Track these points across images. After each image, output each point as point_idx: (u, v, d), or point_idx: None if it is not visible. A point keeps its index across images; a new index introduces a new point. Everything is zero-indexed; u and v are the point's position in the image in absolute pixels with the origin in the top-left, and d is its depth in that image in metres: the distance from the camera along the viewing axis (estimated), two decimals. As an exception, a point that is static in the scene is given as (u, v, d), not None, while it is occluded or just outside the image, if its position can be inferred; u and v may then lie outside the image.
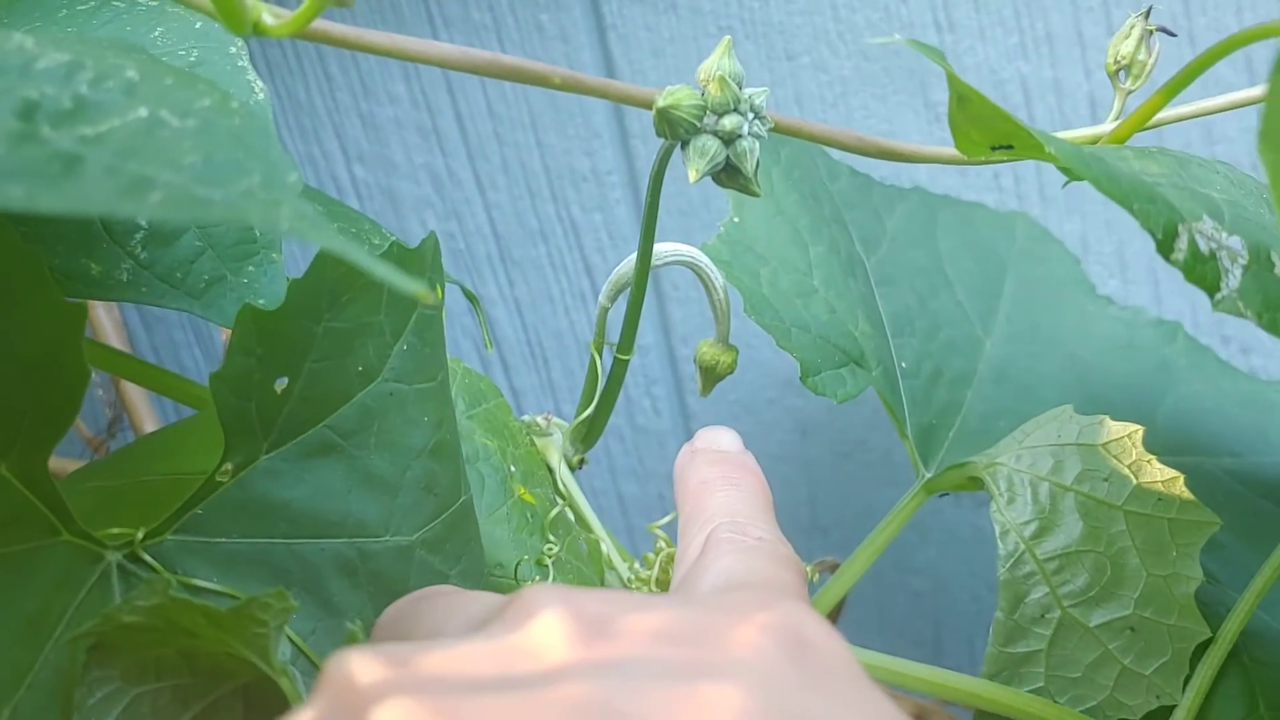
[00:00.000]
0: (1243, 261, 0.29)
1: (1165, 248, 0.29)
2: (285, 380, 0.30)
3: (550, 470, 0.40)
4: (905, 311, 0.52)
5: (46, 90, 0.22)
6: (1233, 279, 0.29)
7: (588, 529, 0.40)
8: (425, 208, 0.70)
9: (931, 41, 0.64)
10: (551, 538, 0.36)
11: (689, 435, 0.70)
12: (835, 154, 0.56)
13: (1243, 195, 0.33)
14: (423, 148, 0.68)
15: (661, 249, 0.43)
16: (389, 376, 0.31)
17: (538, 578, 0.36)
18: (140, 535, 0.30)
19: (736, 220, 0.47)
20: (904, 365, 0.50)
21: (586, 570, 0.38)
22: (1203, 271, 0.29)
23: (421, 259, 0.32)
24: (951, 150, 0.35)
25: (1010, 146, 0.31)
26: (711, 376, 0.46)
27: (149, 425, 0.60)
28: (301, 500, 0.30)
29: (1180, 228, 0.29)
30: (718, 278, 0.44)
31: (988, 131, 0.31)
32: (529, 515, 0.37)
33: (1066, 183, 0.39)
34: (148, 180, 0.19)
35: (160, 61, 0.27)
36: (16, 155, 0.20)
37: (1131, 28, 0.40)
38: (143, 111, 0.22)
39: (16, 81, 0.22)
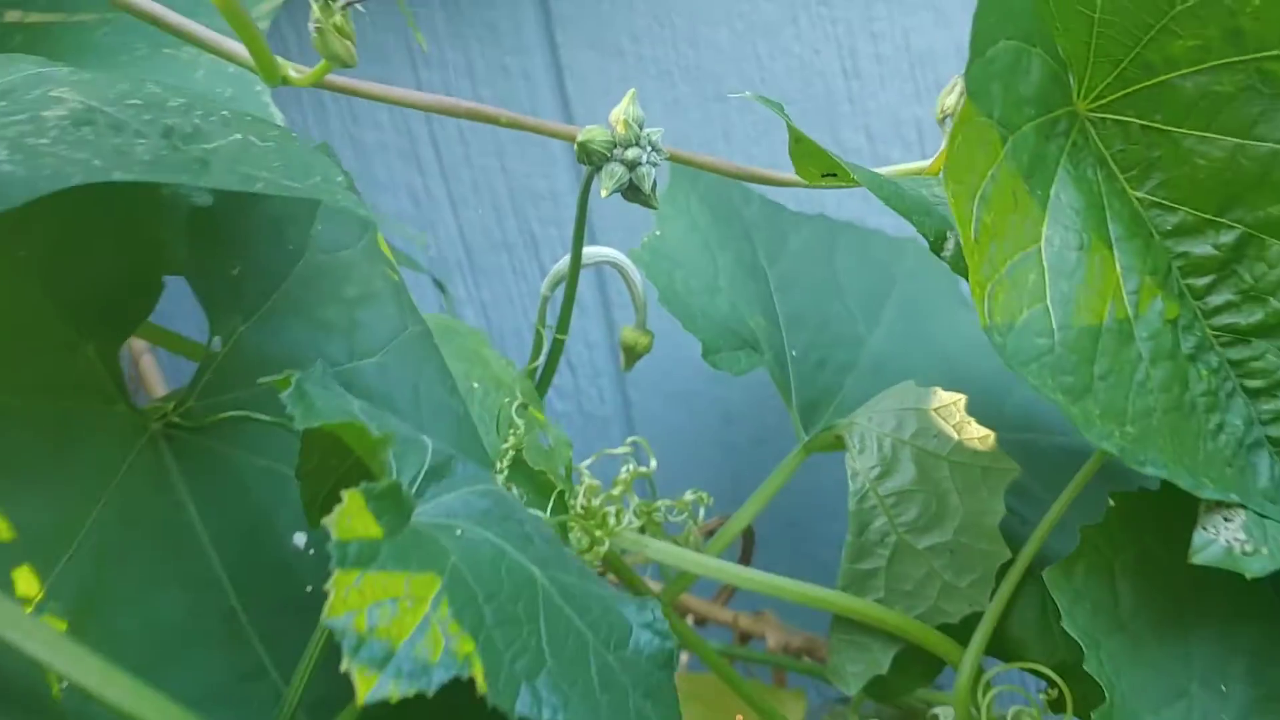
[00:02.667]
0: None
1: (937, 247, 0.43)
2: (238, 267, 0.43)
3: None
4: (799, 312, 0.66)
5: (176, 120, 0.36)
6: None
7: (548, 427, 0.53)
8: (404, 220, 0.83)
9: (839, 87, 0.79)
10: (518, 421, 0.49)
11: (629, 421, 0.84)
12: (754, 185, 0.71)
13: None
14: (403, 168, 0.83)
15: (591, 250, 0.57)
16: (312, 249, 0.44)
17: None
18: (171, 406, 0.43)
19: (659, 233, 0.61)
20: (794, 353, 0.64)
21: (549, 462, 0.50)
22: (958, 265, 0.43)
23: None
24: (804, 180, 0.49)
25: (834, 174, 0.45)
26: (632, 354, 0.60)
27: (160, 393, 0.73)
28: (280, 351, 0.43)
29: (948, 234, 0.43)
30: (637, 275, 0.58)
31: (817, 163, 0.45)
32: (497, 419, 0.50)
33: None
34: (253, 176, 0.33)
35: (235, 109, 0.41)
36: (172, 159, 0.33)
37: (954, 86, 0.54)
38: (237, 136, 0.36)
39: (158, 114, 0.36)
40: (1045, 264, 0.39)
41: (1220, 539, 0.42)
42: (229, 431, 0.44)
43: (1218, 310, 0.42)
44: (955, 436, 0.56)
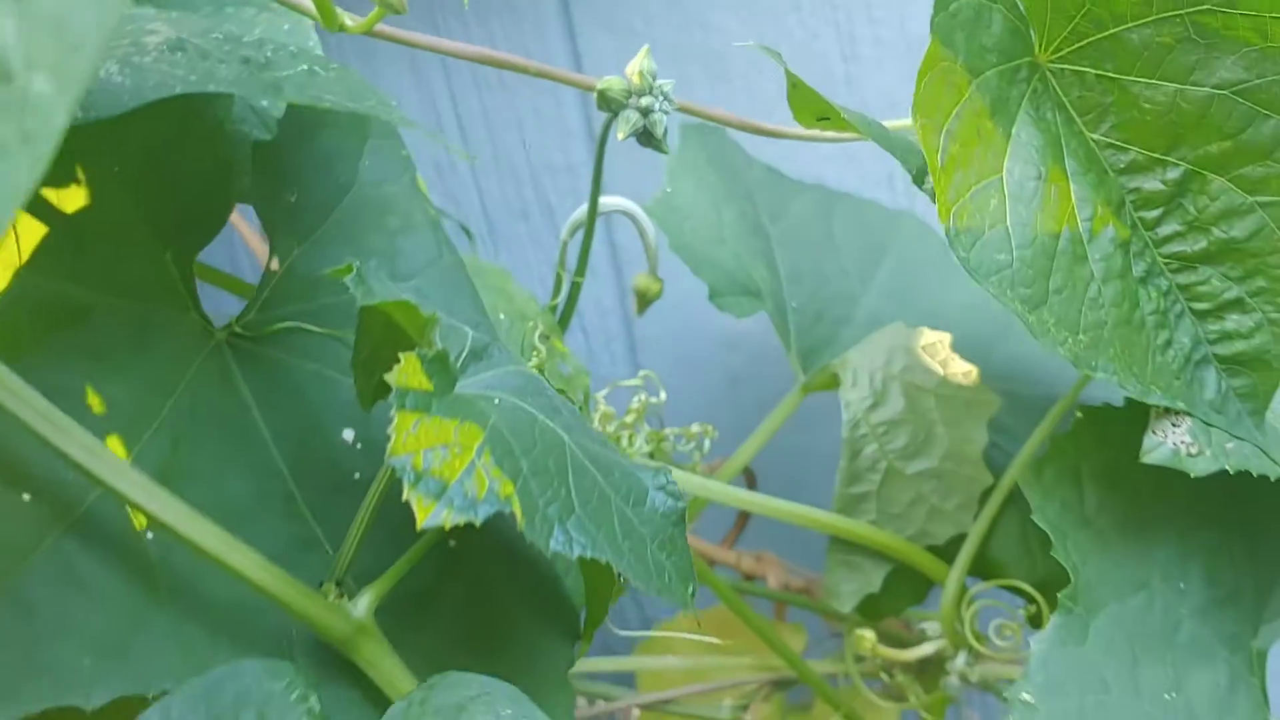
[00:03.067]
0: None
1: (918, 180, 0.49)
2: (295, 195, 0.49)
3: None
4: (799, 268, 0.72)
5: (251, 53, 0.42)
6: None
7: (568, 357, 0.59)
8: (430, 192, 0.89)
9: (838, 71, 0.85)
10: (539, 346, 0.55)
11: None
12: (754, 152, 0.77)
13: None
14: (428, 143, 0.88)
15: (606, 200, 0.63)
16: (360, 183, 0.50)
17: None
18: (235, 317, 0.49)
19: (669, 189, 0.67)
20: (794, 305, 0.69)
21: (569, 387, 0.56)
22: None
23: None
24: (800, 130, 0.55)
25: (828, 119, 0.51)
26: (644, 299, 0.65)
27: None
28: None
29: (926, 173, 0.49)
30: (649, 225, 0.64)
31: (812, 108, 0.50)
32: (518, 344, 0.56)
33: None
34: (321, 96, 0.39)
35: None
36: (251, 81, 0.39)
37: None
38: (304, 67, 0.42)
39: (236, 46, 0.42)
40: (1006, 191, 0.44)
41: (1168, 442, 0.47)
42: (285, 341, 0.50)
43: (1167, 239, 0.48)
44: (941, 371, 0.61)
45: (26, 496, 0.39)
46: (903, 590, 0.63)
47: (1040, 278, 0.44)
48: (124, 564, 0.40)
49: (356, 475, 0.48)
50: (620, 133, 0.53)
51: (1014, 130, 0.45)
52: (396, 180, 0.53)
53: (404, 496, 0.34)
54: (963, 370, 0.61)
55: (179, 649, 0.39)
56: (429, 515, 0.34)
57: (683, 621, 0.69)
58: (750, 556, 0.77)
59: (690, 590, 0.40)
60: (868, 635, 0.59)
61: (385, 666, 0.41)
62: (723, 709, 0.66)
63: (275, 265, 0.50)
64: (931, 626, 0.62)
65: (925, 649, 0.61)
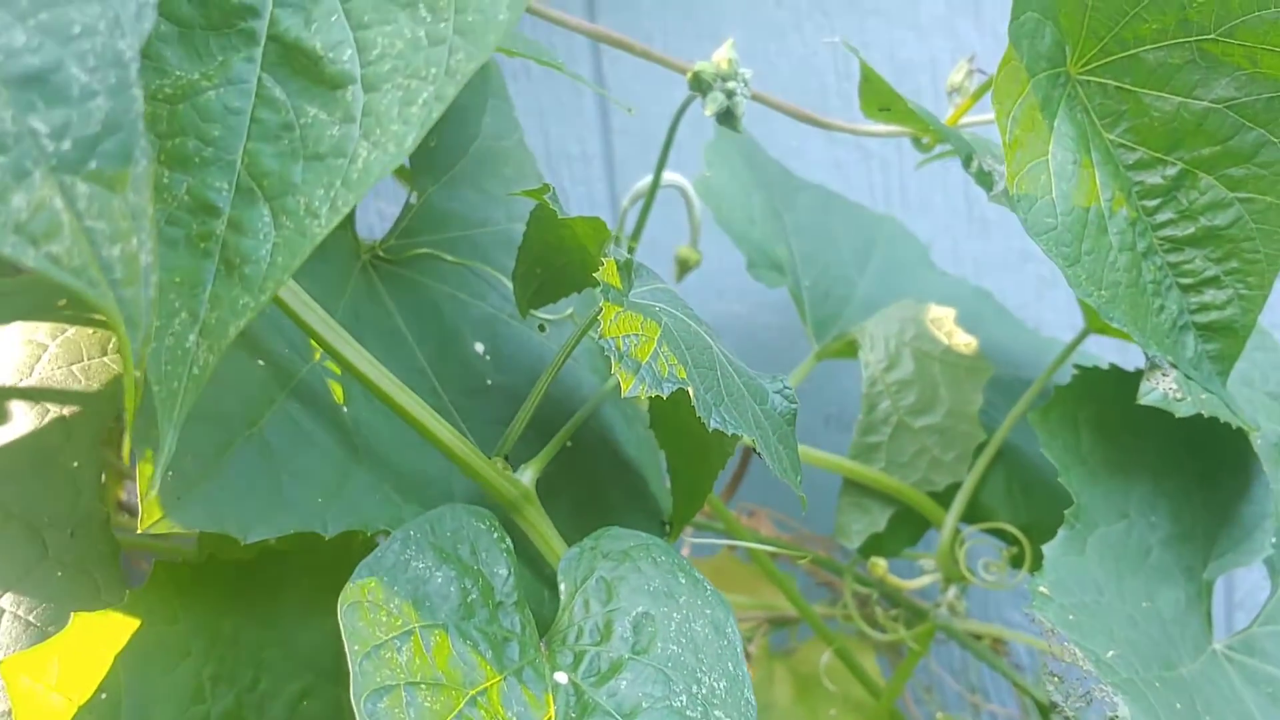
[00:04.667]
0: (1002, 174, 0.59)
1: (967, 165, 0.59)
2: (434, 141, 0.58)
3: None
4: (808, 252, 0.82)
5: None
6: (999, 184, 0.59)
7: None
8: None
9: (832, 85, 0.96)
10: None
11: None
12: (772, 152, 0.87)
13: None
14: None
15: (668, 175, 0.72)
16: (483, 136, 0.59)
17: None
18: (378, 241, 0.56)
19: (708, 174, 0.77)
20: (807, 283, 0.80)
21: None
22: (984, 179, 0.59)
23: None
24: (852, 124, 0.65)
25: (889, 109, 0.61)
26: (684, 267, 0.75)
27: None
28: (459, 209, 0.58)
29: (973, 157, 0.60)
30: (698, 201, 0.73)
31: (881, 99, 0.60)
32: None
33: (920, 163, 0.70)
34: (511, 44, 0.48)
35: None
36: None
37: (960, 69, 0.71)
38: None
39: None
40: (1051, 170, 0.55)
41: (1159, 388, 0.58)
42: (420, 265, 0.58)
43: (1162, 225, 0.59)
44: (945, 341, 0.72)
45: (261, 363, 0.46)
46: (903, 531, 0.73)
47: (1076, 240, 0.54)
48: (333, 427, 0.47)
49: (489, 382, 0.56)
50: (707, 110, 0.62)
51: (1055, 124, 0.56)
52: (510, 136, 0.62)
53: (612, 370, 0.43)
54: (964, 341, 0.72)
55: (379, 501, 0.47)
56: (630, 386, 0.43)
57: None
58: (744, 511, 0.86)
59: (799, 478, 0.50)
60: (880, 562, 0.69)
61: (543, 529, 0.49)
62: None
63: (414, 199, 0.58)
64: (927, 563, 0.72)
65: (923, 580, 0.71)
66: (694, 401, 0.44)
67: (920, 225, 0.95)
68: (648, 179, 0.70)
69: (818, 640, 0.82)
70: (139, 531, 0.39)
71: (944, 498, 0.72)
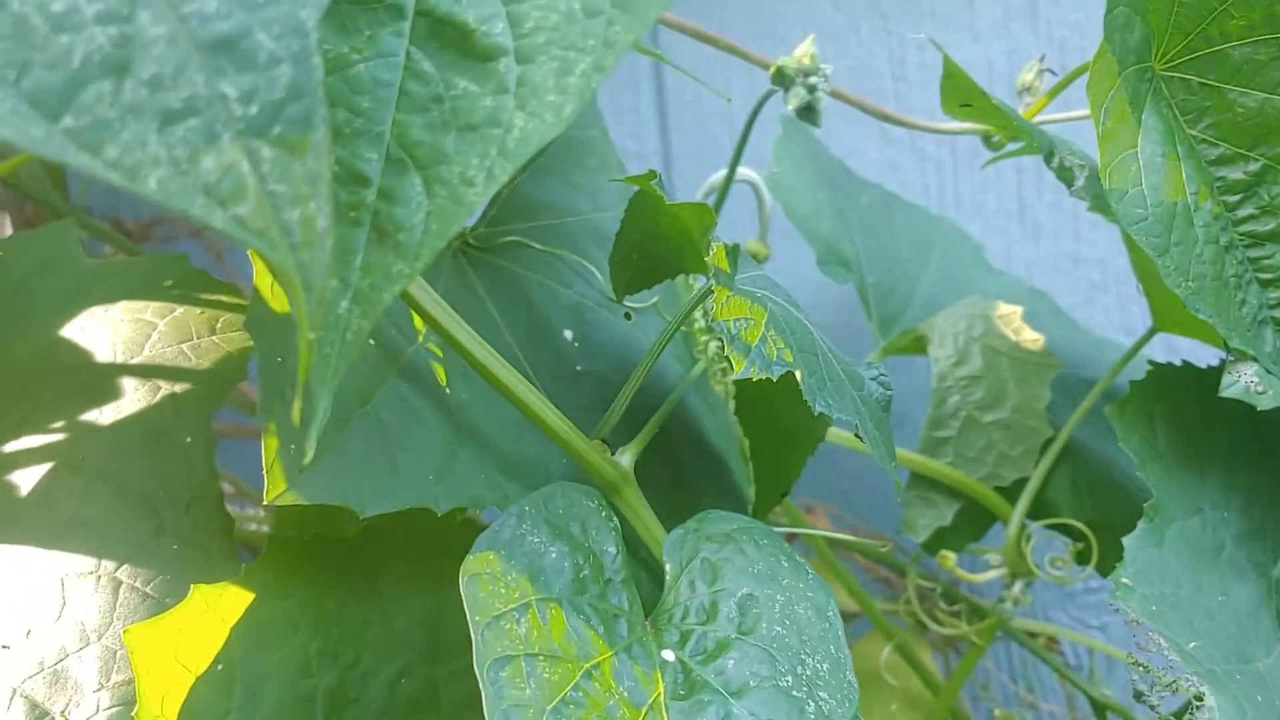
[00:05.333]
0: (1084, 170, 0.60)
1: (1049, 161, 0.60)
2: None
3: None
4: (872, 250, 0.82)
5: None
6: (1080, 179, 0.59)
7: None
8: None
9: (889, 87, 0.96)
10: None
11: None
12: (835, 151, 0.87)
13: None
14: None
15: (741, 171, 0.72)
16: (570, 127, 0.59)
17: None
18: (468, 229, 0.57)
19: (776, 170, 0.77)
20: (872, 280, 0.80)
21: None
22: (1065, 175, 0.59)
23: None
24: (933, 122, 0.65)
25: (970, 105, 0.62)
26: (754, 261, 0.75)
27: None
28: (546, 199, 0.58)
29: (1055, 153, 0.60)
30: (769, 196, 0.74)
31: (963, 95, 0.61)
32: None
33: (985, 164, 0.71)
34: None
35: None
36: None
37: (1031, 68, 0.72)
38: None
39: None
40: (1141, 163, 0.55)
41: (1241, 381, 0.58)
42: (509, 253, 0.58)
43: (1243, 220, 0.59)
44: (1013, 338, 0.72)
45: (372, 342, 0.46)
46: (968, 527, 0.74)
47: (1165, 231, 0.55)
48: (438, 408, 0.48)
49: (578, 368, 0.56)
50: (790, 104, 0.63)
51: (1143, 117, 0.56)
52: (594, 127, 0.62)
53: (725, 352, 0.43)
54: (1031, 338, 0.72)
55: (485, 480, 0.47)
56: (742, 369, 0.44)
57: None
58: (802, 507, 0.86)
59: (893, 463, 0.50)
60: (950, 555, 0.70)
61: (641, 511, 0.49)
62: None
63: (503, 189, 0.59)
64: (994, 557, 0.72)
65: (990, 574, 0.71)
66: (801, 385, 0.45)
67: (973, 228, 0.95)
68: (721, 173, 0.71)
69: (875, 635, 0.82)
70: (264, 503, 0.40)
71: (1010, 493, 0.72)
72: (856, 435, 0.47)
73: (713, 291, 0.44)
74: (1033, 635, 0.85)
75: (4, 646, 0.40)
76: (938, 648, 0.85)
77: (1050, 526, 0.72)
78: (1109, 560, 0.66)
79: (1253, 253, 0.60)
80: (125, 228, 0.84)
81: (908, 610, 0.78)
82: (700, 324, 0.61)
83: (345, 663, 0.46)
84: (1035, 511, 0.72)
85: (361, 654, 0.46)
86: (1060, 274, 0.98)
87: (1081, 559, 0.72)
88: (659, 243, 0.51)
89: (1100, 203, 0.58)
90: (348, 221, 0.33)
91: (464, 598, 0.39)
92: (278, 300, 0.43)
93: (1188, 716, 0.52)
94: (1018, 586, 0.71)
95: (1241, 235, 0.60)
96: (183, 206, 0.26)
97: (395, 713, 0.46)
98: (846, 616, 0.83)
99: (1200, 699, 0.52)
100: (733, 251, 0.46)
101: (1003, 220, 0.98)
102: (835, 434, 0.72)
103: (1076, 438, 0.73)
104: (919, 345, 0.75)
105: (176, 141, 0.26)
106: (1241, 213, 0.59)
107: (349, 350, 0.33)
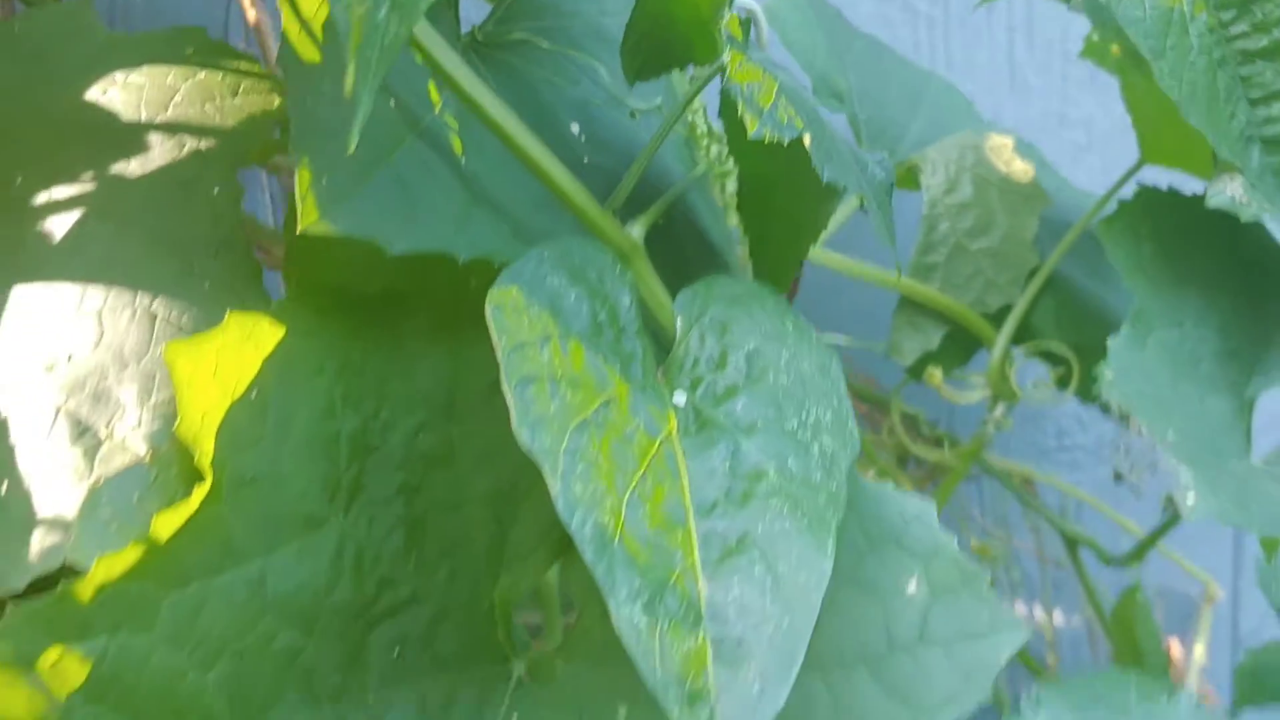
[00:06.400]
0: None
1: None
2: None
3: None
4: (864, 90, 0.84)
5: None
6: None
7: None
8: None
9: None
10: None
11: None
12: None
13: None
14: None
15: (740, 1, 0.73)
16: None
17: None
18: (476, 26, 0.58)
19: (774, 1, 0.78)
20: (864, 117, 0.82)
21: None
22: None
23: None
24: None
25: None
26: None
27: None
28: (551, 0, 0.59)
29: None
30: (765, 25, 0.75)
31: None
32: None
33: (979, 3, 0.72)
34: None
35: None
36: None
37: None
38: None
39: None
40: (1140, -32, 0.57)
41: (1227, 193, 0.61)
42: (517, 50, 0.59)
43: (1236, 37, 0.61)
44: (1003, 169, 0.74)
45: (392, 103, 0.48)
46: (954, 351, 0.76)
47: (1161, 34, 0.57)
48: (454, 174, 0.49)
49: (585, 160, 0.58)
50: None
51: (1142, -73, 0.58)
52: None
53: (738, 114, 0.45)
54: (1021, 169, 0.74)
55: (498, 239, 0.49)
56: (755, 129, 0.45)
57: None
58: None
59: (894, 244, 0.52)
60: (936, 372, 0.72)
61: (651, 281, 0.51)
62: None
63: (514, -11, 0.60)
64: (977, 379, 0.75)
65: (974, 396, 0.74)
66: (810, 149, 0.47)
67: (963, 86, 0.97)
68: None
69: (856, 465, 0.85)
70: (298, 232, 0.41)
71: (996, 319, 0.74)
72: (862, 206, 0.49)
73: (724, 69, 0.46)
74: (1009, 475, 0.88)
75: (47, 368, 0.42)
76: (919, 484, 0.88)
77: (1035, 353, 0.75)
78: (1090, 387, 0.69)
79: (1244, 70, 0.62)
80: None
81: (892, 442, 0.81)
82: (702, 129, 0.63)
83: (367, 412, 0.47)
84: (1020, 338, 0.75)
85: (382, 405, 0.48)
86: (1046, 134, 0.99)
87: (1062, 384, 0.75)
88: (667, 29, 0.52)
89: (1094, 16, 0.60)
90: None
91: (491, 325, 0.41)
92: (304, 47, 0.44)
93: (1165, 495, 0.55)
94: (1000, 409, 0.74)
95: (1234, 52, 0.61)
96: None
97: (414, 464, 0.48)
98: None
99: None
100: (746, 21, 0.48)
101: (993, 79, 0.99)
102: (822, 256, 0.74)
103: (1061, 270, 0.75)
104: (911, 178, 0.77)
105: None
106: (1235, 29, 0.61)
107: (387, 55, 0.35)
